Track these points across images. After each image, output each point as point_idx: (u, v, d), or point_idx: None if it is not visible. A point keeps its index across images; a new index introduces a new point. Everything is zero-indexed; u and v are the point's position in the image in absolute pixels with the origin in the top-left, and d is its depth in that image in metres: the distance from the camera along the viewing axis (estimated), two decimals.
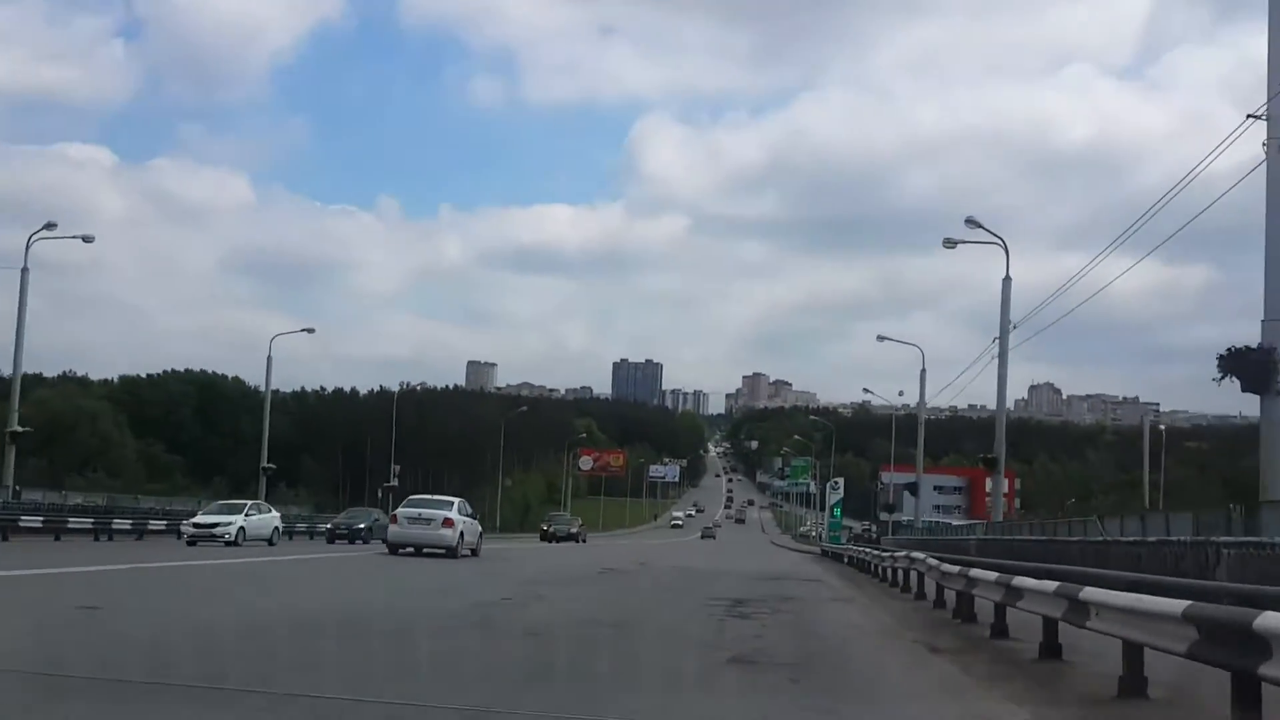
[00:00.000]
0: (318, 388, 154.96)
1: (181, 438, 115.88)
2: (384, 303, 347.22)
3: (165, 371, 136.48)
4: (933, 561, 17.71)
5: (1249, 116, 17.54)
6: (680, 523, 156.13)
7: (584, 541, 62.65)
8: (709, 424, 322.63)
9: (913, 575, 21.61)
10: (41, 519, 37.32)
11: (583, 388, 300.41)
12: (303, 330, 66.42)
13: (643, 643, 11.30)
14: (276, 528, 38.98)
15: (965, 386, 74.71)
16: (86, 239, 46.60)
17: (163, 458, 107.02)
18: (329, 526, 46.99)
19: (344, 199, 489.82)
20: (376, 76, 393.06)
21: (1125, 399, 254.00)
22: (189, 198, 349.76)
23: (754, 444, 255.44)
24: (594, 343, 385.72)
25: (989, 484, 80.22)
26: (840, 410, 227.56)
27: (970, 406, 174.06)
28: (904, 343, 57.63)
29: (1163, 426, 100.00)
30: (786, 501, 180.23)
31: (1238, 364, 17.97)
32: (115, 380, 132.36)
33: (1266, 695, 6.32)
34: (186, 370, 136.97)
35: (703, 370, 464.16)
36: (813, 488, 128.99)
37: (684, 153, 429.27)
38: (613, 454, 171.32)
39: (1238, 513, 15.22)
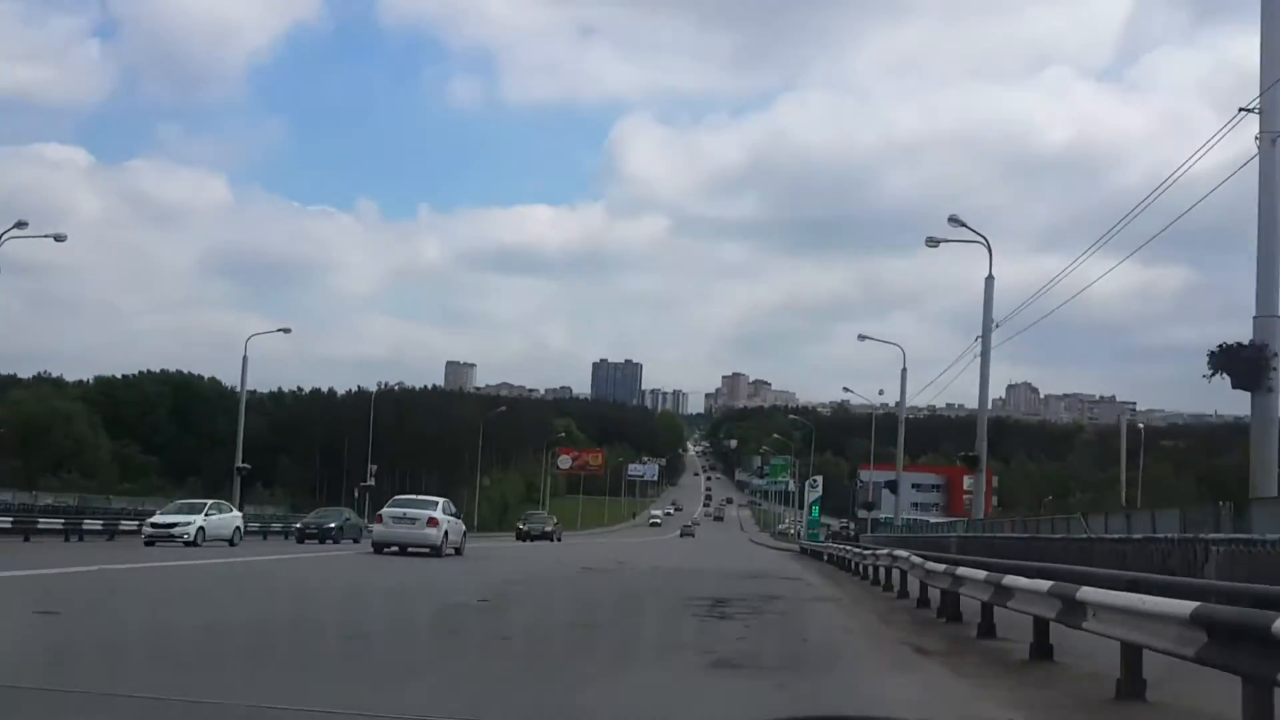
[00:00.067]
0: (295, 388, 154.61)
1: (157, 439, 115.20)
2: (363, 303, 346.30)
3: (141, 372, 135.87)
4: (916, 560, 17.43)
5: (1241, 110, 17.34)
6: (658, 521, 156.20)
7: (559, 540, 62.42)
8: (688, 423, 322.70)
9: (895, 573, 21.35)
10: (11, 519, 36.87)
11: (562, 388, 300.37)
12: (279, 330, 66.11)
13: (621, 646, 10.94)
14: (238, 528, 37.90)
15: (946, 386, 74.65)
16: (58, 238, 46.13)
17: (137, 458, 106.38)
18: (298, 526, 45.94)
19: (322, 200, 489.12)
20: (355, 77, 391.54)
21: (1102, 398, 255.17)
22: (166, 198, 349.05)
23: (733, 443, 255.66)
24: (574, 343, 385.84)
25: (967, 482, 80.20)
26: (819, 410, 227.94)
27: (948, 406, 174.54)
28: (885, 342, 57.44)
29: (1141, 425, 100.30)
30: (765, 500, 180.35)
31: (1229, 361, 17.73)
32: (91, 381, 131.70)
33: None
34: (163, 371, 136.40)
35: (682, 370, 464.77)
36: (791, 486, 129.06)
37: (665, 154, 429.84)
38: (591, 453, 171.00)
39: (1227, 510, 14.99)
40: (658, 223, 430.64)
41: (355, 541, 42.33)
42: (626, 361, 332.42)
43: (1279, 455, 17.90)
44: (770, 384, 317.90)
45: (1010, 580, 10.76)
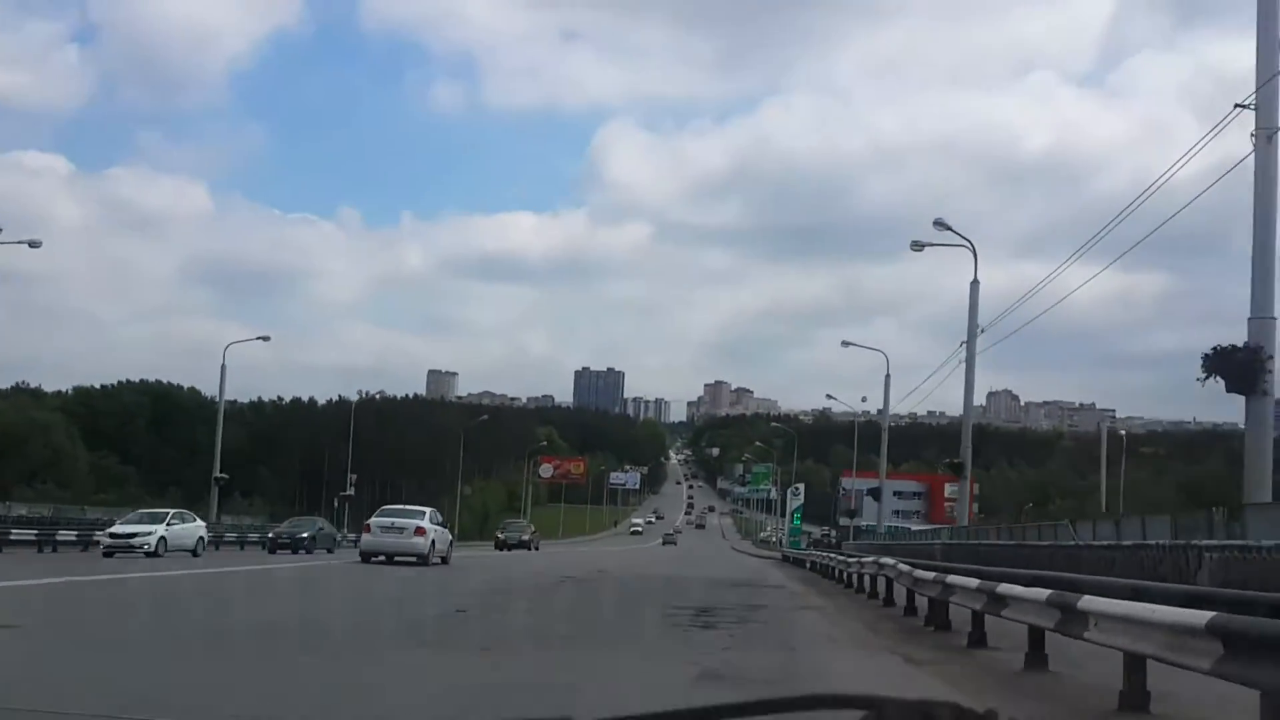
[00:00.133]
0: (276, 398, 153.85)
1: (136, 449, 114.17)
2: (344, 312, 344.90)
3: (120, 382, 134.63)
4: (904, 567, 17.13)
5: (1236, 106, 17.10)
6: (640, 529, 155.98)
7: (537, 549, 62.08)
8: (670, 432, 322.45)
9: (880, 581, 21.06)
10: None
11: (544, 396, 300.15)
12: (258, 338, 65.84)
13: (602, 657, 10.58)
14: (201, 538, 36.86)
15: (929, 393, 74.59)
16: (33, 244, 45.48)
17: (115, 469, 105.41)
18: (269, 536, 44.80)
19: (304, 207, 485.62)
20: (336, 82, 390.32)
21: (1082, 405, 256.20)
22: (146, 206, 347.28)
23: (715, 451, 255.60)
24: (556, 351, 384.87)
25: (948, 489, 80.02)
26: (801, 417, 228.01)
27: (929, 413, 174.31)
28: (869, 348, 57.45)
29: (1123, 432, 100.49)
30: (747, 508, 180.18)
31: (1223, 364, 17.46)
32: (69, 391, 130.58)
33: None
34: (142, 381, 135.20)
35: (665, 378, 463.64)
36: (773, 494, 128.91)
37: (647, 160, 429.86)
38: (573, 461, 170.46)
39: (1220, 515, 14.73)
40: (640, 229, 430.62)
41: (329, 551, 41.83)
42: (609, 370, 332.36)
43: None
44: (752, 392, 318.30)
45: (1005, 588, 10.45)
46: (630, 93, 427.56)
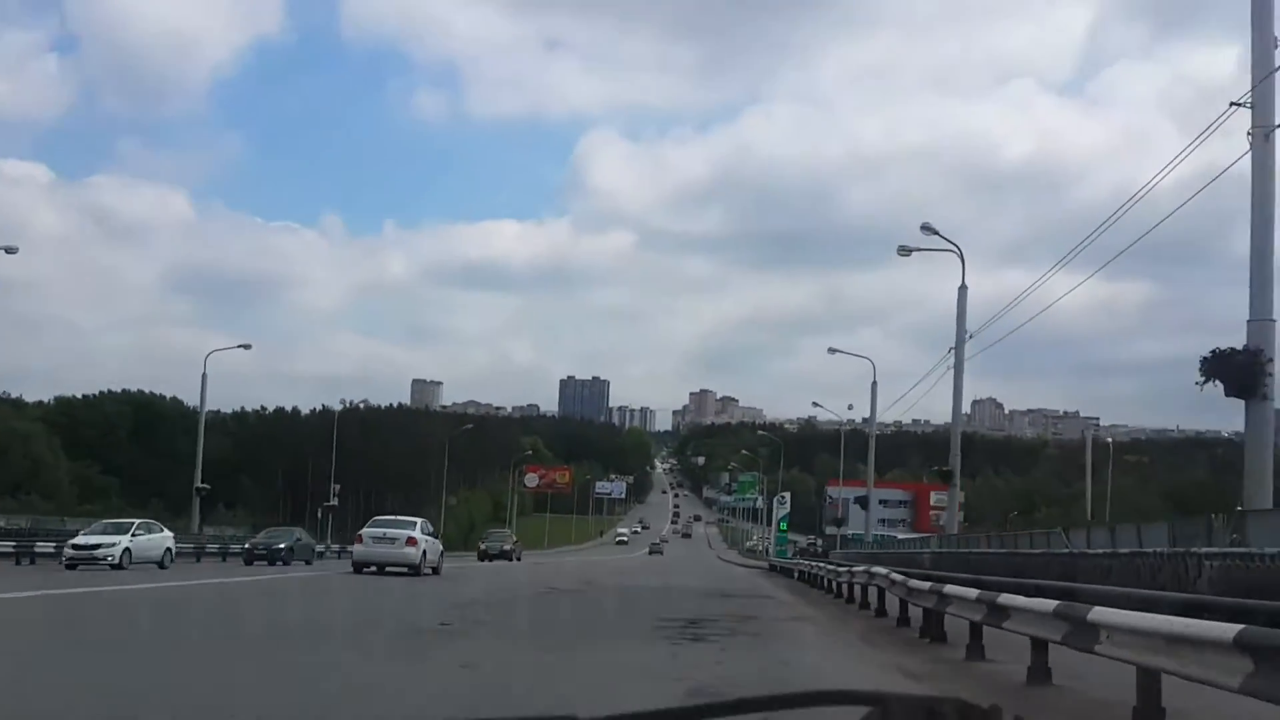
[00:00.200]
0: (259, 407, 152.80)
1: (118, 459, 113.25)
2: (327, 320, 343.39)
3: (102, 392, 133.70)
4: (897, 577, 16.80)
5: (1232, 104, 16.85)
6: (625, 539, 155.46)
7: (519, 559, 61.76)
8: (656, 441, 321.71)
9: (870, 591, 20.73)
10: None
11: (529, 405, 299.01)
12: (239, 346, 64.94)
13: (588, 673, 10.22)
14: (169, 549, 35.77)
15: (914, 402, 74.63)
16: (9, 250, 45.06)
17: (97, 480, 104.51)
18: (245, 546, 43.86)
19: (286, 215, 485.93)
20: (318, 91, 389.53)
21: (1066, 413, 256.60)
22: (127, 214, 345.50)
23: (701, 460, 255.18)
24: (541, 359, 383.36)
25: (934, 498, 79.59)
26: (787, 426, 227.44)
27: (915, 421, 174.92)
28: (855, 355, 57.54)
29: (1108, 439, 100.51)
30: (733, 517, 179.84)
31: (1222, 367, 17.13)
32: (50, 401, 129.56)
33: None
34: (124, 390, 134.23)
35: (650, 387, 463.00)
36: (759, 503, 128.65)
37: (630, 168, 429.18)
38: (559, 471, 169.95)
39: (1220, 522, 14.45)
40: (623, 237, 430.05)
41: (307, 563, 41.32)
42: (594, 378, 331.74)
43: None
44: (737, 400, 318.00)
45: (1007, 599, 10.13)
46: (612, 101, 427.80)
